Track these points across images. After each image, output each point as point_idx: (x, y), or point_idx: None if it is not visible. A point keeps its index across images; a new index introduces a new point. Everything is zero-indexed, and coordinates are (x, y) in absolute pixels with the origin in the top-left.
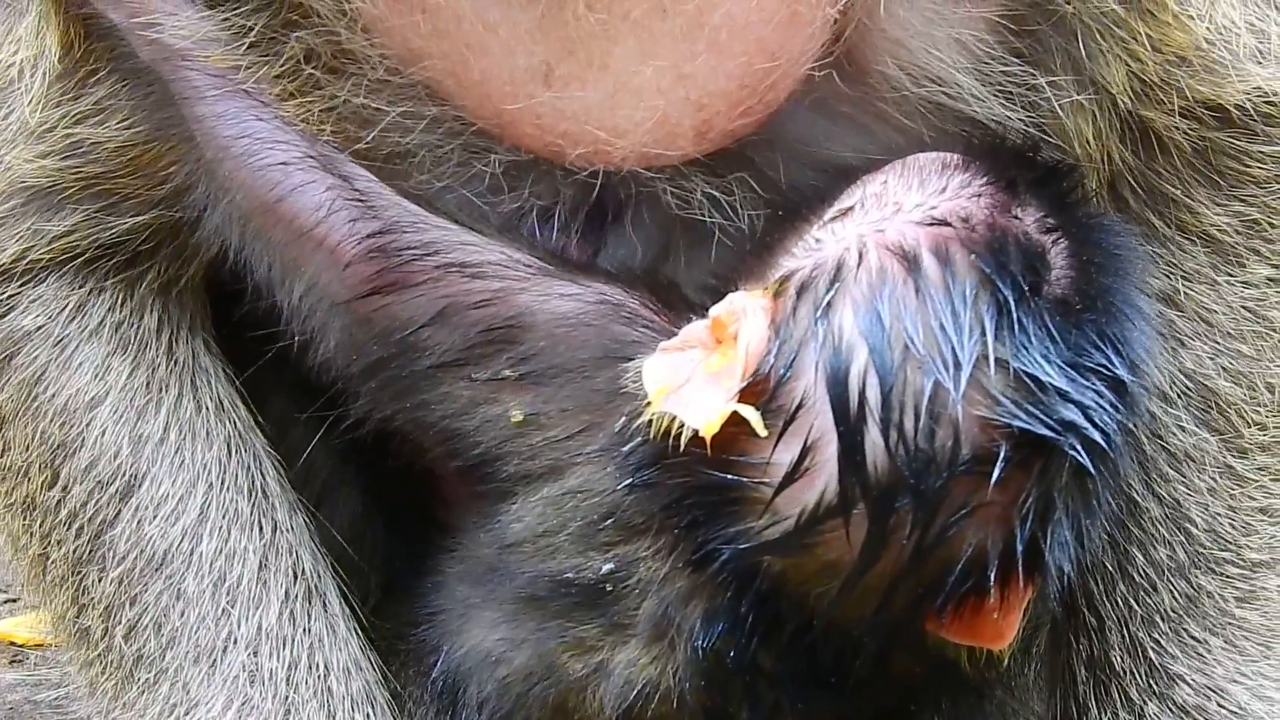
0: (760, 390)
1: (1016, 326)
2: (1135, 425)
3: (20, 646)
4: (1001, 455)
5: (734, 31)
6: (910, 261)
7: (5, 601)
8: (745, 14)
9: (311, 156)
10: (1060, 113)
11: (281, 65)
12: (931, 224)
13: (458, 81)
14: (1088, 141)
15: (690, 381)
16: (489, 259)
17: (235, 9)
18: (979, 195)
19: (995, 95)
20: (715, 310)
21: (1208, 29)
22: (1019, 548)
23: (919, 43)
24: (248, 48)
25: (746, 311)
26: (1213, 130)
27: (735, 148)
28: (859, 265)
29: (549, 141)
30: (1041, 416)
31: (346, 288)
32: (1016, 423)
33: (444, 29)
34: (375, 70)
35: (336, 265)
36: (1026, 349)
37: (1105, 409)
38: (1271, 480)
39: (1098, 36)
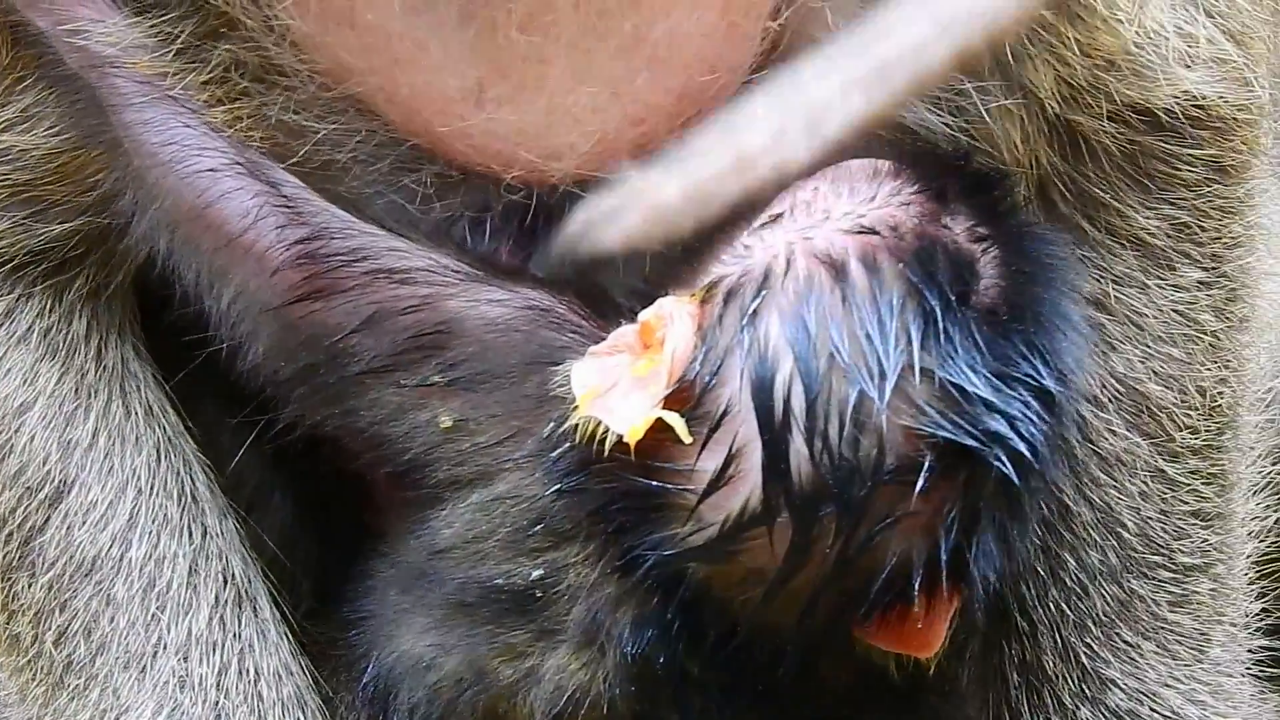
0: (685, 397)
1: (943, 336)
2: (1064, 434)
3: None
4: (926, 465)
5: (674, 47)
6: (837, 270)
7: None
8: (685, 29)
9: (239, 163)
10: (988, 118)
11: (209, 72)
12: (860, 232)
13: (388, 98)
14: (1016, 146)
15: (616, 386)
16: (418, 265)
17: (162, 16)
18: (908, 204)
19: (923, 101)
20: (644, 315)
21: (1136, 33)
22: (943, 558)
23: None
24: (175, 54)
25: (674, 317)
26: (1142, 134)
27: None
28: (786, 273)
29: (481, 161)
30: (967, 427)
31: (275, 294)
32: (941, 433)
33: (374, 46)
34: (304, 86)
35: (265, 271)
36: (953, 359)
37: (1032, 420)
38: (1203, 484)
39: (1025, 41)
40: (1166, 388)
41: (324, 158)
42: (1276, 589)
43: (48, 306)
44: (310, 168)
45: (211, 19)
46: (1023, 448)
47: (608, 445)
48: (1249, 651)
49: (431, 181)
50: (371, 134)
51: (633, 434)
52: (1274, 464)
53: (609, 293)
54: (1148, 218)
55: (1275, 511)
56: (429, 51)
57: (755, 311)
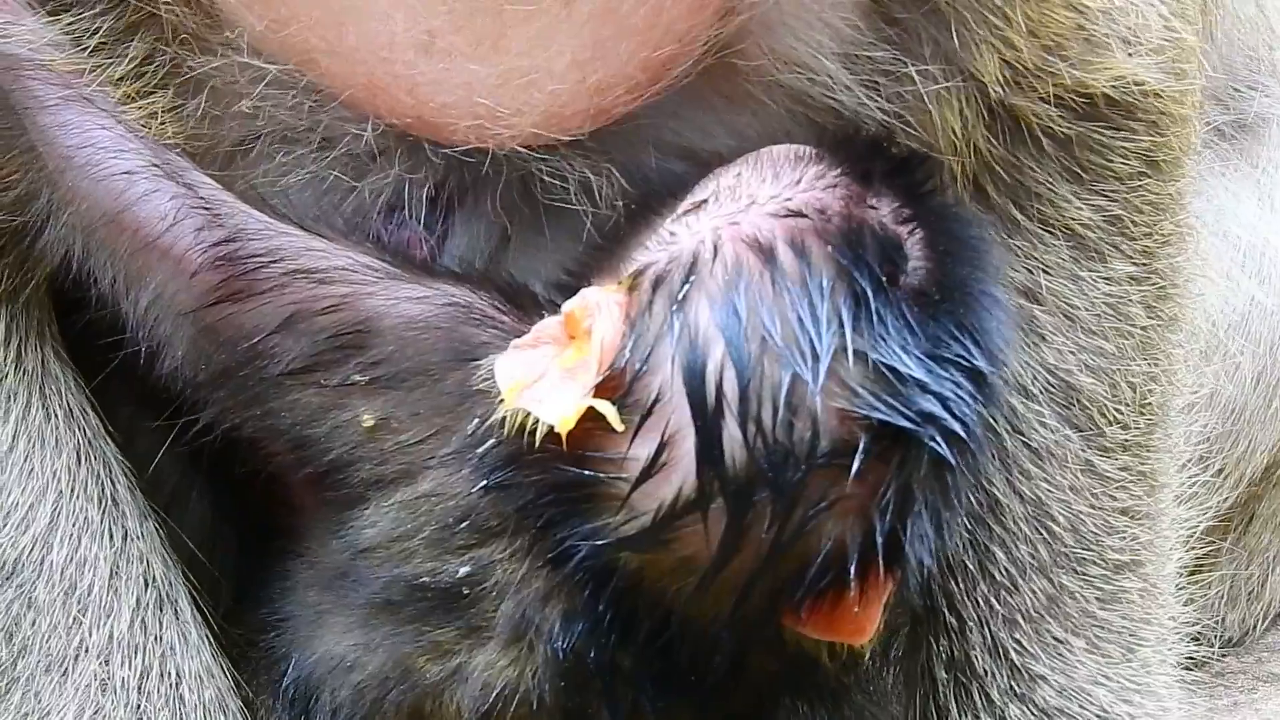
0: (616, 385)
1: (874, 318)
2: (995, 417)
3: None
4: (861, 447)
5: (644, 15)
6: (766, 254)
7: None
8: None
9: (156, 165)
10: (926, 102)
11: (127, 65)
12: (786, 215)
13: (329, 47)
14: (954, 132)
15: (544, 378)
16: (336, 264)
17: (80, 14)
18: (834, 186)
19: (861, 85)
20: (568, 305)
21: (1092, 8)
22: (878, 540)
23: (790, 25)
24: (91, 51)
25: (600, 306)
26: (1080, 120)
27: (606, 133)
28: (714, 258)
29: (421, 116)
30: (900, 408)
31: (193, 297)
32: (875, 414)
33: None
34: (234, 46)
35: (182, 274)
36: (885, 340)
37: (964, 399)
38: (1133, 481)
39: (971, 24)
40: (1097, 380)
41: (246, 129)
42: (1203, 595)
43: None
44: (231, 145)
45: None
46: (956, 427)
47: (538, 437)
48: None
49: (365, 143)
50: (303, 93)
51: (564, 424)
52: (1202, 471)
53: (528, 287)
54: (1079, 209)
55: (1201, 518)
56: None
57: (684, 297)
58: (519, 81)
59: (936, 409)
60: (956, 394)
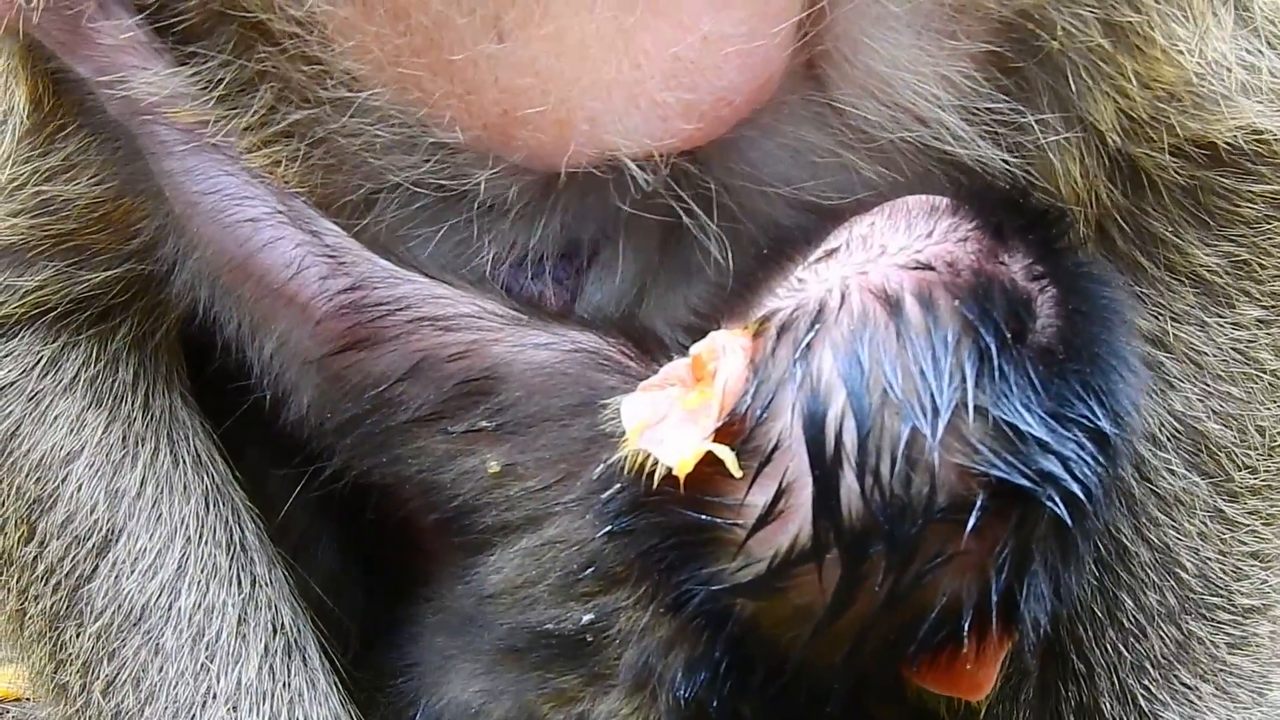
0: (737, 430)
1: (998, 374)
2: (1119, 476)
3: None
4: (978, 504)
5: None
6: (893, 305)
7: None
8: None
9: (281, 212)
10: (1047, 152)
11: (251, 116)
12: (916, 268)
13: (427, 65)
14: (1075, 181)
15: (667, 419)
16: (462, 311)
17: (205, 62)
18: (965, 240)
19: (982, 136)
20: (696, 348)
21: (1198, 64)
22: (994, 598)
23: (903, 79)
24: (216, 101)
25: (726, 350)
26: (1202, 168)
27: (707, 176)
28: (841, 307)
29: (505, 106)
30: (1020, 466)
31: (318, 344)
32: (994, 472)
33: (413, 19)
34: (344, 88)
35: (308, 322)
36: (1007, 397)
37: (1086, 461)
38: (1262, 524)
39: (1085, 73)
40: (1225, 427)
41: (369, 187)
42: None
43: (93, 355)
44: (352, 200)
45: (251, 46)
46: (1076, 489)
47: (657, 478)
48: None
49: (488, 192)
50: (406, 125)
51: (682, 466)
52: None
53: (655, 332)
54: (1207, 254)
55: None
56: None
57: (809, 345)
58: (622, 90)
59: (1057, 469)
60: (1079, 455)
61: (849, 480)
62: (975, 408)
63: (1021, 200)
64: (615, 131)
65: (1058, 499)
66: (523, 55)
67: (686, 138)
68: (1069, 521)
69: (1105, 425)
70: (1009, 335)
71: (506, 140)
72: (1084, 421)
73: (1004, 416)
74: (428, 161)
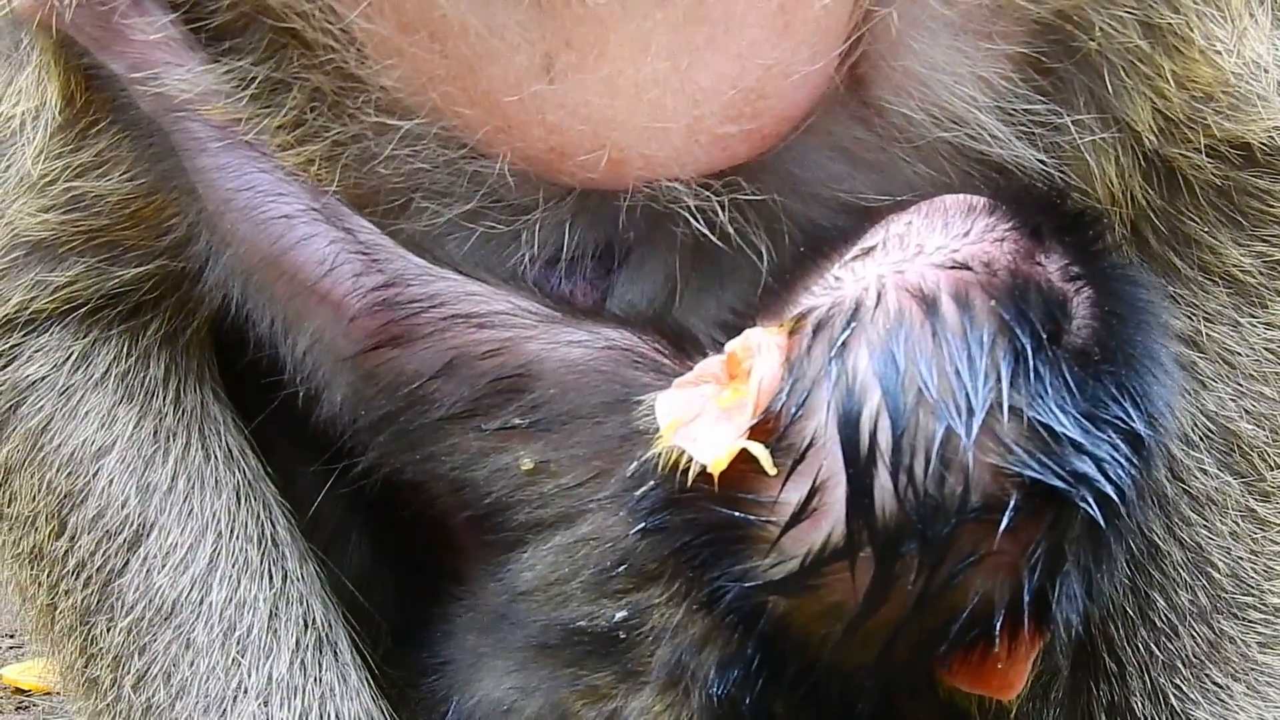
0: (771, 428)
1: (1033, 375)
2: (1152, 477)
3: (27, 693)
4: (1011, 504)
5: (728, 28)
6: (929, 304)
7: (11, 647)
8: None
9: (315, 209)
10: (1083, 152)
11: (284, 115)
12: (953, 267)
13: (466, 92)
14: (1110, 181)
15: (701, 416)
16: (495, 309)
17: (238, 60)
18: (1002, 240)
19: (1018, 136)
20: (731, 345)
21: (1236, 64)
22: (1026, 598)
23: (941, 80)
24: (250, 99)
25: (761, 348)
26: (1237, 169)
27: (755, 187)
28: (877, 306)
29: (554, 144)
30: (1054, 467)
31: (352, 342)
32: (1028, 472)
33: (447, 36)
34: (378, 103)
35: (341, 319)
36: (1042, 398)
37: (1120, 463)
38: None
39: (1122, 73)
40: (1258, 426)
41: (396, 182)
42: None
43: (124, 350)
44: (384, 198)
45: (285, 49)
46: (1110, 490)
47: (691, 475)
48: None
49: (519, 196)
50: (447, 144)
51: (716, 464)
52: None
53: (690, 329)
54: (1241, 255)
55: None
56: (503, 36)
57: (844, 344)
58: (627, 96)
59: (1090, 470)
60: (1113, 456)
61: (883, 479)
62: (1010, 408)
63: (1059, 201)
64: (674, 166)
65: (1091, 500)
66: (574, 98)
67: (744, 160)
68: (1102, 522)
69: (1139, 427)
70: (1044, 336)
71: (554, 173)
72: (1118, 423)
73: (1038, 417)
74: (469, 187)
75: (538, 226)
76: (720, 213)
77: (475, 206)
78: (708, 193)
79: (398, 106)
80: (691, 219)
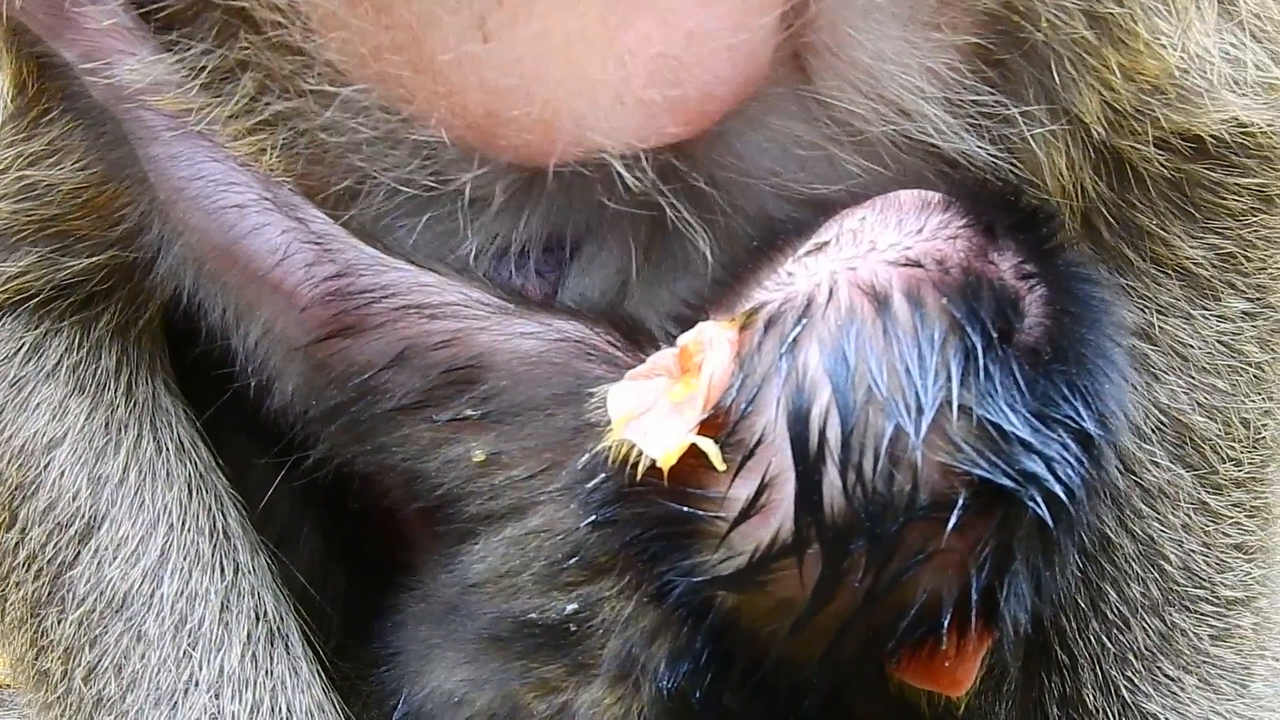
0: (721, 423)
1: (983, 373)
2: (1103, 477)
3: None
4: (960, 503)
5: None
6: (880, 301)
7: None
8: None
9: (267, 199)
10: (1032, 144)
11: (235, 104)
12: (905, 265)
13: (409, 60)
14: (1060, 173)
15: (652, 410)
16: (448, 299)
17: (189, 48)
18: (956, 238)
19: (966, 129)
20: (683, 339)
21: (1181, 57)
22: (974, 596)
23: (888, 71)
24: (201, 88)
25: (713, 342)
26: (1188, 161)
27: (691, 171)
28: (828, 302)
29: (490, 107)
30: (1003, 466)
31: (304, 332)
32: (977, 471)
33: (396, 14)
34: (325, 87)
35: (293, 309)
36: (992, 397)
37: (1069, 462)
38: (1246, 516)
39: (1070, 65)
40: (1210, 419)
41: (346, 169)
42: None
43: (76, 341)
44: (336, 188)
45: (235, 34)
46: (1059, 490)
47: (641, 469)
48: None
49: (471, 185)
50: (388, 115)
51: (666, 459)
52: None
53: (643, 322)
54: (1193, 247)
55: None
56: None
57: (795, 340)
58: (607, 90)
59: (1040, 469)
60: (1062, 455)
61: (831, 476)
62: (959, 406)
63: (1013, 198)
64: (601, 131)
65: (1040, 499)
66: (507, 56)
67: (673, 134)
68: (1051, 522)
69: (1090, 426)
70: (995, 335)
71: (491, 140)
72: (1069, 422)
73: (988, 416)
74: (412, 159)
75: (489, 217)
76: (660, 197)
77: (420, 182)
78: (639, 169)
79: (341, 80)
80: (629, 200)
